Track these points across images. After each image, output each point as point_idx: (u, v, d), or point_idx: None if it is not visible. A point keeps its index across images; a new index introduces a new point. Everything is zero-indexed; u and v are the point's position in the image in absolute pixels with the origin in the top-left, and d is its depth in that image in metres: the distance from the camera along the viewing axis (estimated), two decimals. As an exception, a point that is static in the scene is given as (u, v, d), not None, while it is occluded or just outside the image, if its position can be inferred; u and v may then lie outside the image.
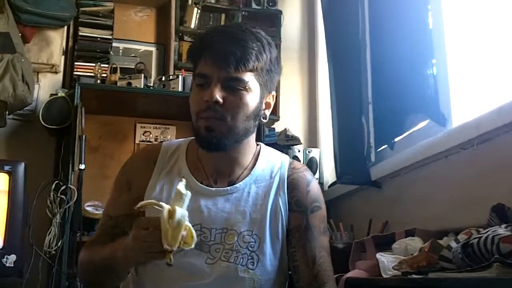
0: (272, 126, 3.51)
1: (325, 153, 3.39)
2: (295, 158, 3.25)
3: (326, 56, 3.18)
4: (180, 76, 3.14)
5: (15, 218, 2.34)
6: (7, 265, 2.28)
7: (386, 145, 2.55)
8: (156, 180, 1.50)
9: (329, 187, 3.22)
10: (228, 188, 1.48)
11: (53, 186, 2.76)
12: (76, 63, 3.27)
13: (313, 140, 3.61)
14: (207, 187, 1.48)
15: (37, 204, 2.74)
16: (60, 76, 3.29)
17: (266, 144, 3.02)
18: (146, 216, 1.34)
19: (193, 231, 1.22)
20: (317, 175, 3.28)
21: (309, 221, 1.49)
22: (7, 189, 2.36)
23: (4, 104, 2.83)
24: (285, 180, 1.52)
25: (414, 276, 1.47)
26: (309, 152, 3.32)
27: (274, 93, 1.52)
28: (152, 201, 1.28)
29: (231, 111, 1.39)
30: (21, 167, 2.41)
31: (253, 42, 1.39)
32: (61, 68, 3.30)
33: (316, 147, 3.46)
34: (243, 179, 1.50)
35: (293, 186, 1.52)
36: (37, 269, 2.69)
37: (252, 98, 1.42)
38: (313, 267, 1.45)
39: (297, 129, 3.61)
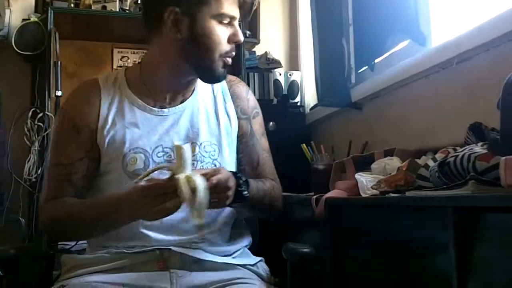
0: (253, 50, 3.46)
1: (306, 76, 3.36)
2: (277, 81, 3.23)
3: (307, -24, 3.10)
4: (157, -1, 3.04)
5: (-9, 147, 2.32)
6: (-14, 193, 2.28)
7: (366, 67, 2.53)
8: (106, 114, 1.50)
9: (310, 109, 3.22)
10: (180, 105, 1.56)
11: (30, 113, 2.71)
12: (48, -14, 3.14)
13: (294, 63, 3.58)
14: (161, 109, 1.53)
15: (14, 132, 2.71)
16: (32, 0, 3.16)
17: (247, 68, 3.04)
18: (154, 180, 1.26)
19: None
20: (298, 98, 3.27)
21: (252, 127, 1.64)
22: (-19, 117, 2.32)
23: (-26, 30, 2.74)
24: (228, 91, 1.64)
25: (392, 195, 1.49)
26: (290, 75, 3.29)
27: None
28: (165, 164, 1.31)
29: None
30: (-4, 95, 2.36)
31: None
32: (33, -8, 3.18)
33: (298, 70, 3.43)
34: (191, 96, 1.58)
35: (235, 96, 1.64)
36: (17, 197, 2.68)
37: None
38: (257, 167, 1.61)
39: (278, 52, 3.57)
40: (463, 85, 1.77)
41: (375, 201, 1.59)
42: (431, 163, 1.37)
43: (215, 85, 1.62)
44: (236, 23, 1.47)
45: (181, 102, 1.56)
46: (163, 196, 1.21)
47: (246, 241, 1.62)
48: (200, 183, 1.20)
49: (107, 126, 1.48)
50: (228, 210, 1.52)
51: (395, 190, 1.51)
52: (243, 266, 1.51)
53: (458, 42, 1.76)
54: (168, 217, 1.26)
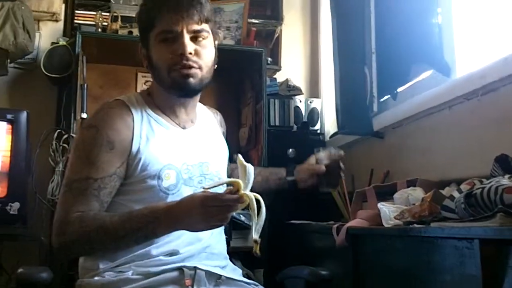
0: (274, 76, 3.49)
1: (327, 103, 3.37)
2: (297, 108, 3.24)
3: (329, 5, 3.13)
4: (181, 25, 3.09)
5: (18, 166, 2.36)
6: (11, 212, 2.31)
7: (389, 95, 2.54)
8: (139, 132, 1.53)
9: (330, 137, 3.22)
10: (193, 127, 1.67)
11: (55, 135, 2.75)
12: (76, 12, 3.21)
13: (314, 90, 3.59)
14: (181, 129, 1.63)
15: (39, 153, 2.75)
16: (61, 25, 3.24)
17: (268, 94, 3.08)
18: (221, 195, 1.36)
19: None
20: (318, 126, 3.27)
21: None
22: (10, 137, 2.36)
23: (6, 52, 2.80)
24: (220, 120, 1.85)
25: (416, 225, 1.49)
26: (310, 102, 3.30)
27: (217, 42, 1.66)
28: (234, 180, 1.36)
29: (203, 60, 1.54)
30: (23, 116, 2.40)
31: None
32: (62, 17, 3.23)
33: (318, 97, 3.44)
34: (198, 118, 1.70)
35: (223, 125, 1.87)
36: (40, 217, 2.69)
37: (212, 47, 1.59)
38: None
39: (299, 79, 3.58)
40: (489, 116, 1.77)
41: (401, 231, 1.58)
42: (456, 194, 1.37)
43: (213, 110, 1.83)
44: (183, 36, 1.50)
45: (192, 124, 1.67)
46: (225, 207, 1.33)
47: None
48: (263, 201, 1.35)
49: (144, 143, 1.51)
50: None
51: (419, 221, 1.50)
52: (249, 284, 1.58)
53: (483, 73, 1.76)
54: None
